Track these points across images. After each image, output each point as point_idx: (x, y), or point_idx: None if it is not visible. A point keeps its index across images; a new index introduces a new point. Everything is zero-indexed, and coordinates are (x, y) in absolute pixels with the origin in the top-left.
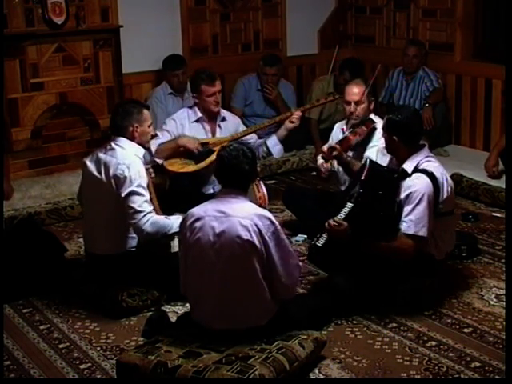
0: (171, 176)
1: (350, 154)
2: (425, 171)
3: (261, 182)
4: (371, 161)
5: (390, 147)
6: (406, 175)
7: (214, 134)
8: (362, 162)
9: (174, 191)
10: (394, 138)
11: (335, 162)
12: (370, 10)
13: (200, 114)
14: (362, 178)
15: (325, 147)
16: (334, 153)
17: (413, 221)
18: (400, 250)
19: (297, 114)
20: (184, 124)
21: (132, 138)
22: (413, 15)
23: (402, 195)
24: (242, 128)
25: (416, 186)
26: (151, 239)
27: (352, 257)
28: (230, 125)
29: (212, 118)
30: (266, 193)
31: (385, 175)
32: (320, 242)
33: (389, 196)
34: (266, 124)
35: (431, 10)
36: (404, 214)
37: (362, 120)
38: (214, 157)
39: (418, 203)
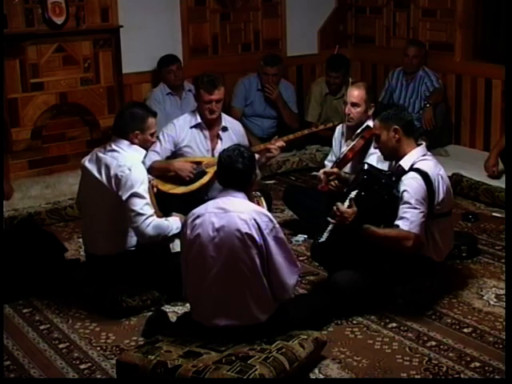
0: (161, 196)
1: (347, 168)
2: (419, 171)
3: (262, 198)
4: (368, 163)
5: (388, 146)
6: (404, 172)
7: (212, 142)
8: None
9: (164, 211)
10: (396, 127)
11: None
12: (370, 10)
13: (199, 120)
14: (365, 167)
15: (321, 174)
16: (331, 177)
17: (408, 219)
18: (398, 241)
19: (278, 144)
20: (184, 128)
21: (132, 143)
22: (413, 15)
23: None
24: (245, 140)
25: (409, 186)
26: (152, 242)
27: (353, 255)
28: (234, 135)
29: (211, 125)
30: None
31: (383, 173)
32: (322, 238)
33: (390, 185)
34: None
35: (431, 10)
36: (399, 212)
37: (362, 129)
38: (205, 179)
39: (411, 206)
